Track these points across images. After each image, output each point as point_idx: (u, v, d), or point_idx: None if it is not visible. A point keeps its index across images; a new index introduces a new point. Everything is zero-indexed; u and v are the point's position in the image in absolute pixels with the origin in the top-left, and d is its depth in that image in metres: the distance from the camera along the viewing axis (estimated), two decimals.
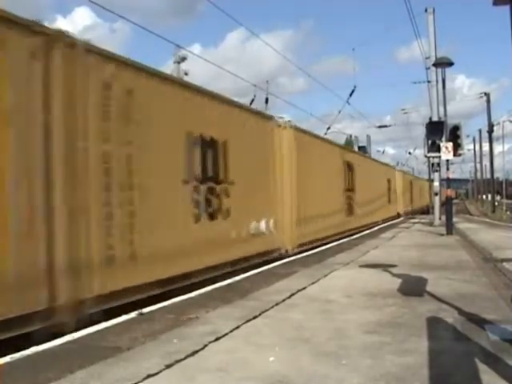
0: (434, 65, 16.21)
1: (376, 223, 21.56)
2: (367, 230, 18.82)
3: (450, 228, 15.44)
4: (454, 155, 15.70)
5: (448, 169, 17.06)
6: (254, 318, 5.00)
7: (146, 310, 5.45)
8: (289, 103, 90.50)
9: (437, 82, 19.12)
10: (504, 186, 52.77)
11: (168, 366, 3.55)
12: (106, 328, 4.74)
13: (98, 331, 4.64)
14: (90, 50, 5.37)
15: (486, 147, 46.60)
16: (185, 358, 3.74)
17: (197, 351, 3.89)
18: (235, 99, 9.67)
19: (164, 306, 5.69)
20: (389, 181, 26.08)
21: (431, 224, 20.32)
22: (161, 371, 3.46)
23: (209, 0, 11.09)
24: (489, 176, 45.62)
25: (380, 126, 39.18)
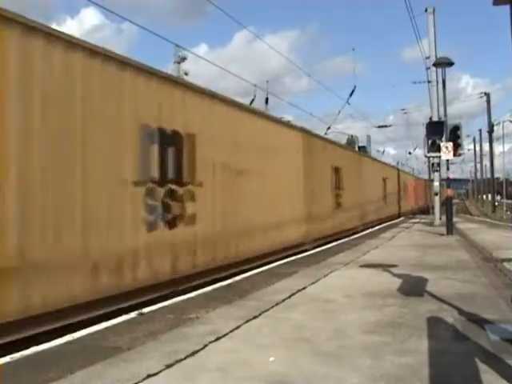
0: (434, 65, 16.20)
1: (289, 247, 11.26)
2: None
3: (450, 228, 15.42)
4: (454, 155, 15.70)
5: (448, 169, 17.04)
6: (254, 318, 5.00)
7: (146, 309, 5.46)
8: (290, 104, 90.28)
9: (437, 82, 19.12)
10: (504, 185, 52.91)
11: (168, 366, 3.55)
12: (106, 328, 4.74)
13: (98, 331, 4.64)
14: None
15: (486, 147, 46.67)
16: (185, 358, 3.74)
17: (197, 351, 3.90)
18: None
19: (164, 306, 5.69)
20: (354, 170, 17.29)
21: (431, 224, 20.31)
22: (161, 371, 3.46)
23: (211, 2, 11.09)
24: (489, 176, 45.65)
25: (380, 126, 39.17)
